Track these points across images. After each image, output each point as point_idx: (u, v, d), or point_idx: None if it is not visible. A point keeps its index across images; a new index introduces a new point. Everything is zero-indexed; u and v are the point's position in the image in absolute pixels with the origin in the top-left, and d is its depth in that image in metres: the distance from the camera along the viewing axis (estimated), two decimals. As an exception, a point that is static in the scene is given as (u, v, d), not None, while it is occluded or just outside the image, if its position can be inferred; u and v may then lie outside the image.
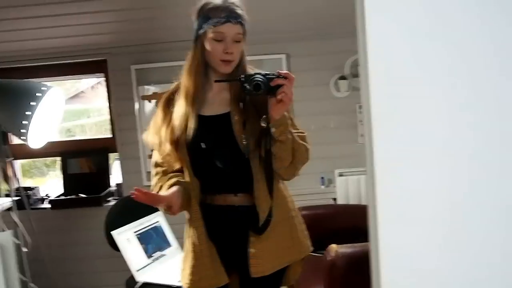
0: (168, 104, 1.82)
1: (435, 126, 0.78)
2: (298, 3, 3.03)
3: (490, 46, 0.76)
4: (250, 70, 1.76)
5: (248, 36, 1.75)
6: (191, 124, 1.71)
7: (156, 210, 2.91)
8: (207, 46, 1.69)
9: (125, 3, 3.01)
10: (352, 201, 3.37)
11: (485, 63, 0.76)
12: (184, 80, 1.76)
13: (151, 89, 3.47)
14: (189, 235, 1.81)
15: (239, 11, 1.69)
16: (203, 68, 1.74)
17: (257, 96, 1.63)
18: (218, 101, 1.77)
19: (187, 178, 1.78)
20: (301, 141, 1.72)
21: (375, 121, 0.79)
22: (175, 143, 1.75)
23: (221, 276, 1.79)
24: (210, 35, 1.67)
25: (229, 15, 1.67)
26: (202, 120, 1.73)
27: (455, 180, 0.79)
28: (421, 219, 0.81)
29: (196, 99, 1.73)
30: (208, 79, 1.77)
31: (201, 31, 1.69)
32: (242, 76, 1.65)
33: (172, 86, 1.86)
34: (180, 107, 1.75)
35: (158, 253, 2.72)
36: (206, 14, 1.68)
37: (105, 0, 2.94)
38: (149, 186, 3.37)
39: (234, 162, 1.74)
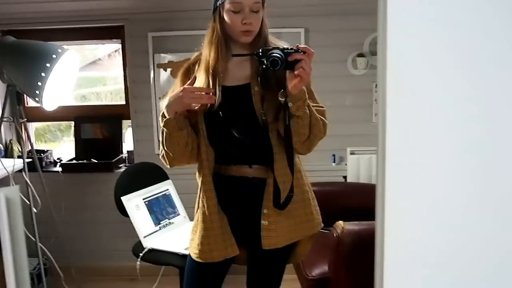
0: (188, 74, 1.81)
1: (451, 107, 0.77)
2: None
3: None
4: (272, 41, 1.74)
5: (268, 9, 1.73)
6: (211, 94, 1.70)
7: (167, 178, 2.93)
8: (226, 17, 1.68)
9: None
10: (362, 180, 3.36)
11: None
12: (204, 51, 1.76)
13: (167, 58, 3.45)
14: (200, 205, 1.82)
15: None
16: (223, 39, 1.72)
17: (274, 71, 1.61)
18: (239, 72, 1.76)
19: (202, 148, 1.77)
20: (319, 116, 1.71)
21: (389, 99, 0.77)
22: (193, 112, 1.75)
23: (231, 247, 1.80)
24: (227, 6, 1.66)
25: None
26: (222, 90, 1.72)
27: (467, 162, 0.78)
28: (430, 200, 0.80)
29: (216, 69, 1.72)
30: (228, 50, 1.75)
31: (219, 3, 1.68)
32: (260, 50, 1.63)
33: (193, 56, 1.85)
34: (200, 78, 1.75)
35: (165, 221, 2.74)
36: None
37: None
38: (161, 154, 3.42)
39: (251, 133, 1.73)
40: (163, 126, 1.72)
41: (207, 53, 1.74)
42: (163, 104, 1.74)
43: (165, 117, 1.72)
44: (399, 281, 0.81)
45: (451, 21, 0.75)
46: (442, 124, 0.77)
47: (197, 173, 1.84)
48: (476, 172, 0.78)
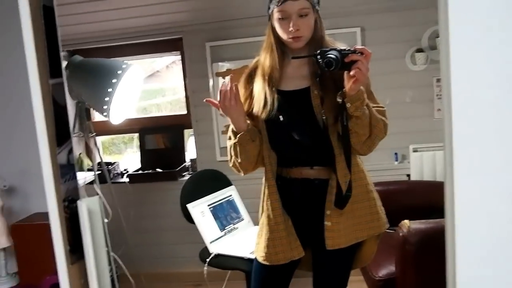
0: (249, 81, 1.86)
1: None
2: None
3: None
4: (330, 43, 1.75)
5: (322, 10, 1.74)
6: (270, 99, 1.74)
7: (229, 184, 2.98)
8: (276, 25, 1.73)
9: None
10: (426, 177, 3.28)
11: None
12: (261, 58, 1.81)
13: (225, 66, 3.52)
14: (265, 209, 1.85)
15: None
16: (278, 45, 1.77)
17: (330, 72, 1.62)
18: (298, 76, 1.78)
19: (265, 152, 1.81)
20: (379, 116, 1.70)
21: (455, 95, 0.76)
22: (255, 117, 1.81)
23: (297, 249, 1.82)
24: (276, 14, 1.71)
25: None
26: (281, 95, 1.76)
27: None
28: (499, 198, 0.78)
29: (273, 75, 1.76)
30: (285, 55, 1.79)
31: (270, 12, 1.74)
32: (318, 52, 1.64)
33: (252, 63, 1.90)
34: (258, 83, 1.80)
35: (230, 226, 2.79)
36: None
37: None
38: (222, 161, 3.48)
39: (312, 135, 1.75)
40: (237, 141, 1.78)
41: (263, 59, 1.80)
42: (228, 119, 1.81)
43: (234, 131, 1.79)
44: (472, 278, 0.80)
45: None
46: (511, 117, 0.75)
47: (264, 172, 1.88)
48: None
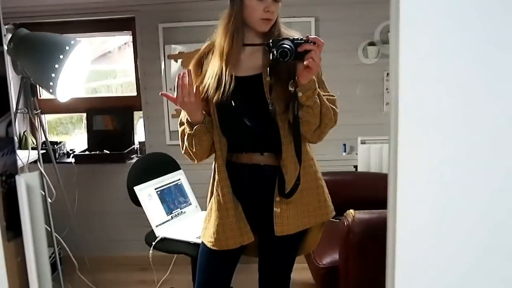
0: (199, 65, 1.84)
1: (466, 96, 0.77)
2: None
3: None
4: (284, 31, 1.75)
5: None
6: (224, 83, 1.72)
7: (178, 168, 2.96)
8: (248, 4, 1.68)
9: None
10: (373, 169, 3.36)
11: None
12: (219, 40, 1.75)
13: (177, 49, 3.47)
14: (215, 194, 1.84)
15: None
16: (240, 27, 1.73)
17: (284, 62, 1.62)
18: (251, 63, 1.77)
19: (215, 138, 1.80)
20: (330, 105, 1.72)
21: (402, 88, 0.78)
22: (206, 101, 1.78)
23: (246, 235, 1.82)
24: None
25: None
26: (234, 80, 1.73)
27: (480, 152, 0.78)
28: (441, 189, 0.80)
29: (230, 58, 1.73)
30: (243, 38, 1.75)
31: None
32: (270, 41, 1.64)
33: (203, 46, 1.86)
34: (213, 66, 1.76)
35: (177, 211, 2.77)
36: None
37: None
38: (172, 145, 3.44)
39: (263, 122, 1.74)
40: (193, 133, 1.77)
41: (221, 40, 1.74)
42: (182, 113, 1.81)
43: (189, 122, 1.78)
44: (411, 269, 0.82)
45: (466, 7, 0.75)
46: (456, 113, 0.77)
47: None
48: (490, 161, 0.78)
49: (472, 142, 0.78)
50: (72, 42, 2.50)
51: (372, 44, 3.36)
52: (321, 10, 3.38)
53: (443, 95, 0.77)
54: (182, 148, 1.87)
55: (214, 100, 1.75)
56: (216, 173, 1.82)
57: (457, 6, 0.75)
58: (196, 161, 1.88)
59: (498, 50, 0.75)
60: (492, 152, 0.77)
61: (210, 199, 1.88)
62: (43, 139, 3.06)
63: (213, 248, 1.84)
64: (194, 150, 1.81)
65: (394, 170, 0.81)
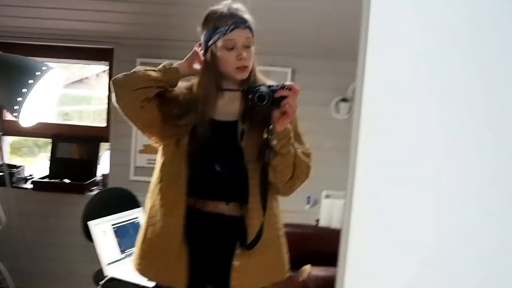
0: (189, 89, 1.78)
1: (421, 157, 0.77)
2: (308, 19, 3.03)
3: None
4: (260, 78, 1.75)
5: (256, 46, 1.73)
6: (200, 125, 1.68)
7: (138, 206, 2.88)
8: (220, 56, 1.67)
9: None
10: (335, 225, 3.34)
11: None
12: (196, 89, 1.74)
13: (152, 85, 3.45)
14: (159, 219, 1.73)
15: (245, 15, 1.68)
16: (215, 78, 1.71)
17: (261, 107, 1.62)
18: (228, 109, 1.75)
19: (174, 159, 1.71)
20: (304, 157, 1.70)
21: (361, 147, 0.78)
22: (174, 126, 1.71)
23: (180, 278, 1.71)
24: (221, 44, 1.66)
25: (237, 21, 1.66)
26: (210, 124, 1.70)
27: (431, 212, 0.78)
28: (392, 253, 0.79)
29: (209, 102, 1.70)
30: (220, 86, 1.74)
31: (211, 42, 1.67)
32: (246, 87, 1.64)
33: (182, 86, 1.80)
34: (190, 106, 1.71)
35: (131, 250, 2.68)
36: (213, 25, 1.67)
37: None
38: (136, 181, 3.38)
39: (234, 170, 1.71)
40: (161, 69, 1.70)
41: (198, 89, 1.73)
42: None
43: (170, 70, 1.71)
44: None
45: (426, 72, 0.76)
46: (409, 176, 0.78)
47: (159, 184, 1.75)
48: (440, 220, 0.78)
49: (424, 202, 0.78)
50: (44, 68, 2.46)
51: (344, 100, 3.42)
52: (298, 61, 3.43)
53: (399, 153, 0.78)
54: (124, 87, 1.68)
55: (186, 139, 1.70)
56: (172, 202, 1.71)
57: (423, 74, 0.76)
58: (121, 107, 1.70)
59: (451, 122, 0.76)
60: (438, 217, 0.77)
61: (149, 222, 1.77)
62: (1, 161, 2.97)
63: (137, 271, 1.77)
64: (142, 92, 1.65)
65: (347, 227, 0.80)
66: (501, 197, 0.76)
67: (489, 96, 0.74)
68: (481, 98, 0.75)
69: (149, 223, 1.77)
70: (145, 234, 1.78)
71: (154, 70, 1.71)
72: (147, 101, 1.68)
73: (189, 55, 1.76)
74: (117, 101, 1.71)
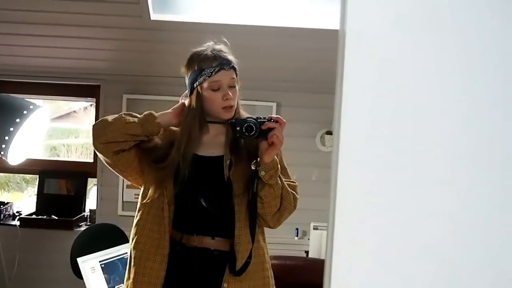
0: (172, 132, 1.80)
1: (398, 187, 0.80)
2: (290, 55, 3.11)
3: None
4: (244, 114, 1.78)
5: (241, 81, 1.78)
6: (184, 160, 1.69)
7: (126, 241, 2.87)
8: (206, 96, 1.70)
9: (125, 34, 3.06)
10: (324, 256, 3.34)
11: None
12: (181, 128, 1.76)
13: (139, 120, 3.48)
14: (142, 265, 1.72)
15: (229, 56, 1.72)
16: (200, 115, 1.73)
17: (249, 138, 1.66)
18: (214, 144, 1.77)
19: (160, 205, 1.72)
20: (290, 190, 1.73)
21: (341, 178, 0.80)
22: (165, 167, 1.72)
23: None
24: (206, 85, 1.69)
25: (221, 62, 1.69)
26: (195, 159, 1.72)
27: (413, 243, 0.80)
28: (377, 282, 0.81)
29: (191, 140, 1.71)
30: (205, 123, 1.77)
31: (196, 84, 1.70)
32: (234, 120, 1.67)
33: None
34: (177, 142, 1.73)
35: (120, 286, 2.66)
36: (199, 67, 1.70)
37: (106, 28, 2.99)
38: (124, 216, 3.37)
39: (220, 204, 1.72)
40: (142, 122, 1.69)
41: (184, 130, 1.73)
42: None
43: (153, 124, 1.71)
44: None
45: (404, 100, 0.79)
46: (389, 208, 0.80)
47: (141, 223, 1.76)
48: (423, 248, 0.80)
49: (404, 232, 0.80)
50: (31, 107, 2.50)
51: (329, 133, 3.47)
52: (283, 96, 3.49)
53: (379, 187, 0.80)
54: (100, 136, 1.68)
55: (170, 180, 1.71)
56: (146, 252, 1.72)
57: (398, 113, 0.80)
58: (97, 151, 1.72)
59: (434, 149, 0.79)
60: (421, 246, 0.79)
61: (132, 266, 1.75)
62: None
63: None
64: (117, 144, 1.66)
65: (330, 257, 0.82)
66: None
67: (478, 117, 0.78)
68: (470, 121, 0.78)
69: (133, 263, 1.76)
70: (129, 272, 1.78)
71: (135, 122, 1.70)
72: (122, 151, 1.69)
73: (175, 106, 1.78)
74: (93, 145, 1.74)
